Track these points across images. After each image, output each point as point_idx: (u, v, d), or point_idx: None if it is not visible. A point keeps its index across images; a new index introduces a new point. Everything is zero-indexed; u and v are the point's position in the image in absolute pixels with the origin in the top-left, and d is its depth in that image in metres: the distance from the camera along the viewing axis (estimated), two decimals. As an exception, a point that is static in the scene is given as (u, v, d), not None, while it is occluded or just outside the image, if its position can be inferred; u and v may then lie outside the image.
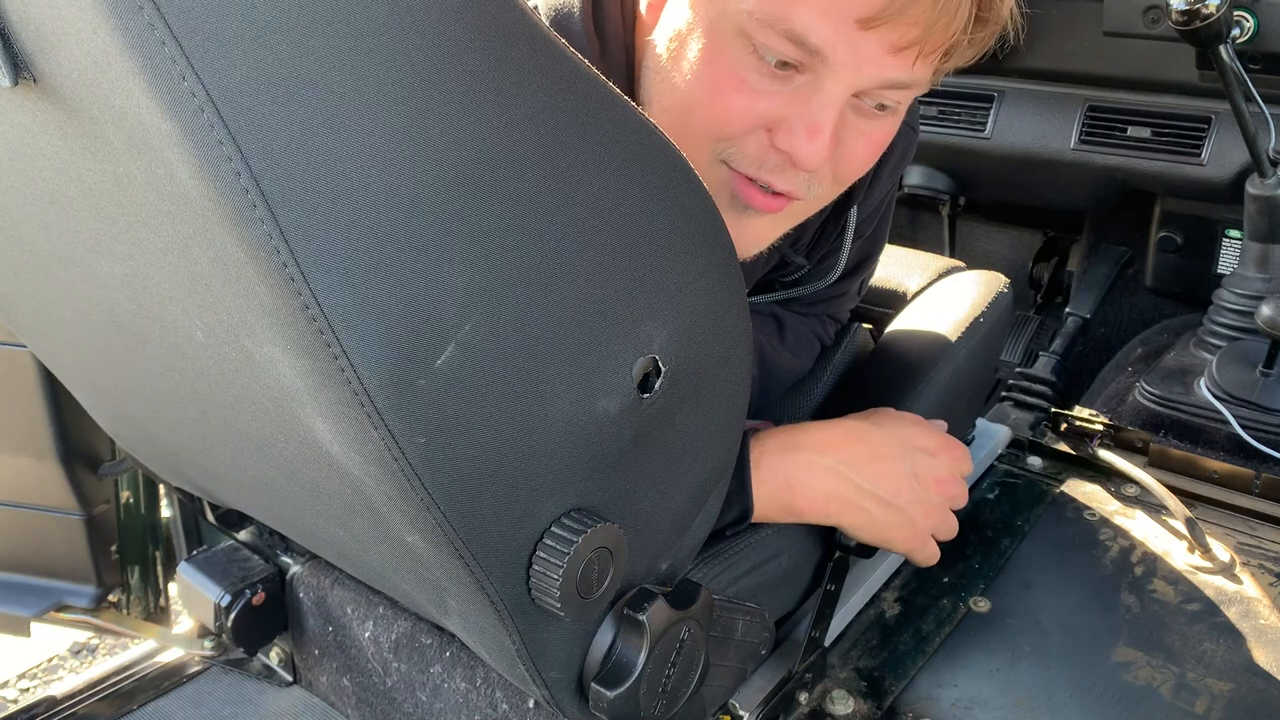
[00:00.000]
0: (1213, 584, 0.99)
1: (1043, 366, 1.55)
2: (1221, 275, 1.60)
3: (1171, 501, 1.08)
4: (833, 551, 0.91)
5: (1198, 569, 1.01)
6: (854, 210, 0.93)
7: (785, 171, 0.70)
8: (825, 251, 0.98)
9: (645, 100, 0.73)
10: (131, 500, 1.20)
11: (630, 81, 0.75)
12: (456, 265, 0.45)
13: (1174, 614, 0.95)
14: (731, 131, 0.69)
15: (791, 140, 0.67)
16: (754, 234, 0.77)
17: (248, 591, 1.01)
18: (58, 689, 1.07)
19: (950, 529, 0.88)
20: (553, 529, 0.56)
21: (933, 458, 0.86)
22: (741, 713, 0.83)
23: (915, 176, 1.89)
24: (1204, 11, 1.21)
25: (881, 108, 0.69)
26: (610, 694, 0.63)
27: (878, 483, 0.83)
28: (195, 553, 1.06)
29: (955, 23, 0.64)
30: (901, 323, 1.09)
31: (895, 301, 1.16)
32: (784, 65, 0.65)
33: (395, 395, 0.45)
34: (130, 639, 1.33)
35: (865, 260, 1.03)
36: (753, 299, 0.99)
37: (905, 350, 1.04)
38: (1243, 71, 1.28)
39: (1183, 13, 1.22)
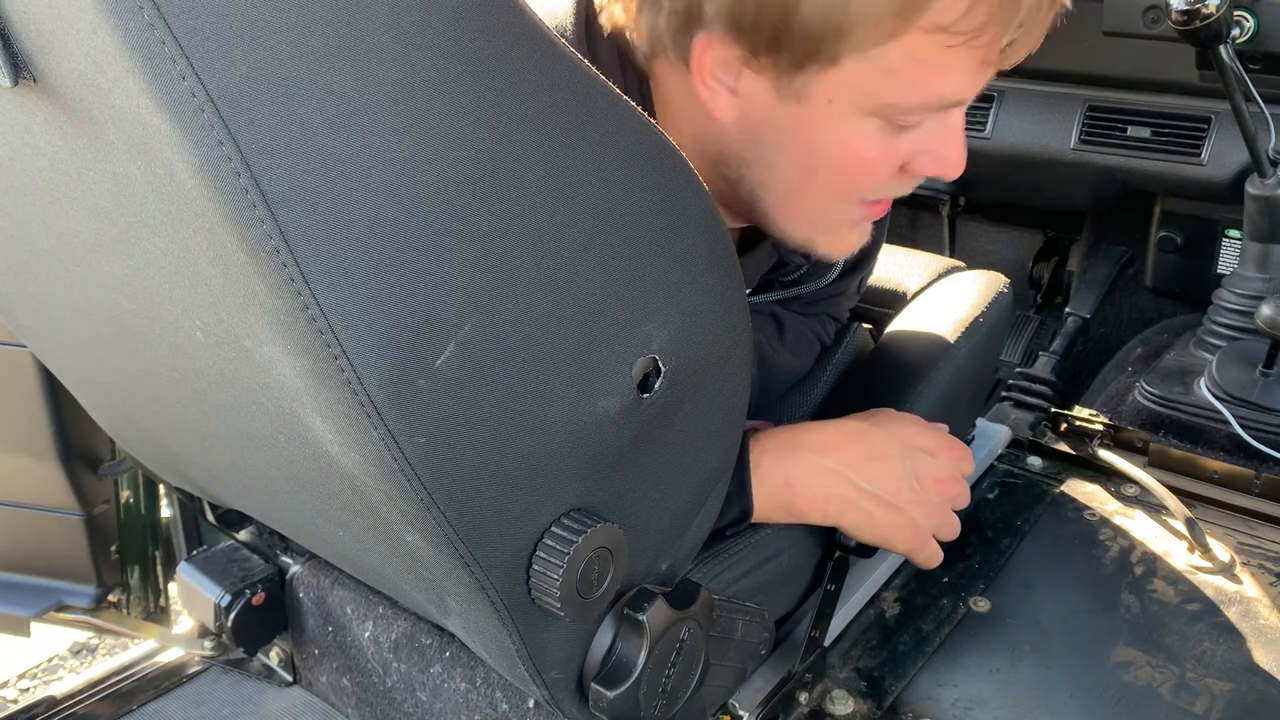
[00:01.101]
0: (1213, 584, 0.99)
1: (1043, 366, 1.55)
2: (1221, 275, 1.60)
3: (1171, 501, 1.08)
4: (833, 551, 0.91)
5: (1198, 569, 1.01)
6: None
7: (916, 182, 0.76)
8: None
9: (741, 180, 0.75)
10: (131, 500, 1.20)
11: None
12: (456, 265, 0.45)
13: (1174, 614, 0.95)
14: (872, 188, 0.75)
15: (940, 166, 0.73)
16: (860, 237, 0.82)
17: (248, 591, 1.01)
18: (58, 689, 1.07)
19: (952, 529, 0.88)
20: (553, 529, 0.56)
21: (933, 458, 0.86)
22: (741, 713, 0.83)
23: (915, 176, 1.88)
24: (1204, 11, 1.20)
25: None
26: (610, 694, 0.63)
27: (878, 483, 0.83)
28: (195, 553, 1.06)
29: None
30: (901, 323, 1.09)
31: (895, 301, 1.16)
32: None
33: (395, 395, 0.45)
34: (130, 639, 1.33)
35: (864, 258, 1.03)
36: (753, 299, 0.99)
37: (905, 350, 1.04)
38: (1243, 71, 1.28)
39: (1183, 13, 1.22)
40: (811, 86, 0.67)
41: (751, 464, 0.79)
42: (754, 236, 0.87)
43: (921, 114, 0.69)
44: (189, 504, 1.15)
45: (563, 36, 0.71)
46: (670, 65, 0.72)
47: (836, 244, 0.81)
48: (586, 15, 0.74)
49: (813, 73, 0.66)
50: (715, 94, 0.70)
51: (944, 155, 0.72)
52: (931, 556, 0.88)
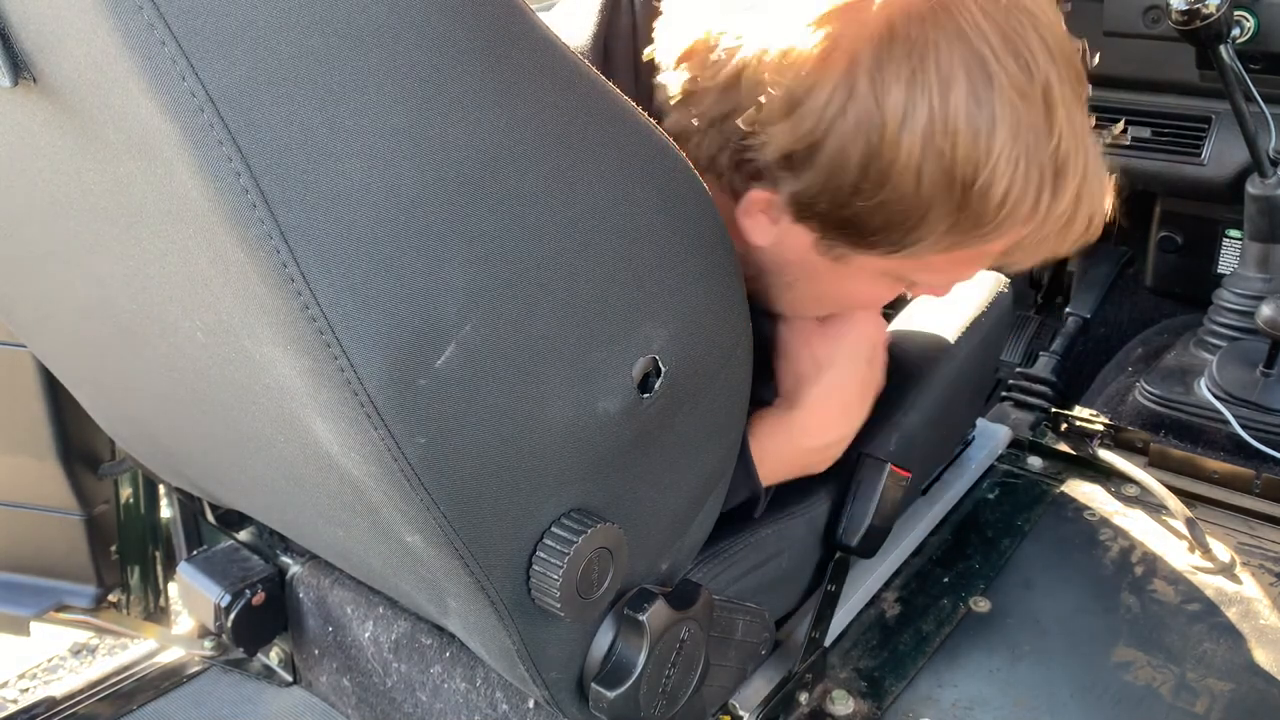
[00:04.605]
0: (1213, 584, 0.99)
1: (1043, 366, 1.55)
2: (1221, 275, 1.60)
3: (1171, 501, 1.08)
4: (833, 551, 0.91)
5: (1198, 569, 1.01)
6: None
7: None
8: None
9: (749, 274, 0.73)
10: (131, 500, 1.20)
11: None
12: (457, 265, 0.45)
13: (1174, 614, 0.95)
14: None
15: (933, 293, 0.80)
16: None
17: (248, 591, 1.00)
18: (58, 689, 1.07)
19: None
20: (553, 529, 0.56)
21: (875, 342, 0.88)
22: (741, 713, 0.83)
23: (915, 176, 1.88)
24: (1204, 11, 1.20)
25: None
26: (610, 694, 0.63)
27: (866, 403, 0.87)
28: (195, 553, 1.06)
29: None
30: (901, 323, 1.09)
31: (895, 301, 1.16)
32: None
33: (395, 395, 0.45)
34: (130, 639, 1.33)
35: None
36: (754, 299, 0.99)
37: (905, 350, 1.04)
38: (1243, 71, 1.28)
39: (1183, 13, 1.22)
40: (853, 257, 0.68)
41: (757, 461, 0.80)
42: None
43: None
44: (189, 504, 1.15)
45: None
46: (712, 182, 0.65)
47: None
48: (606, 40, 0.73)
49: (859, 249, 0.66)
50: (755, 226, 0.68)
51: (935, 290, 0.79)
52: None
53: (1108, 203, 0.70)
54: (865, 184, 0.59)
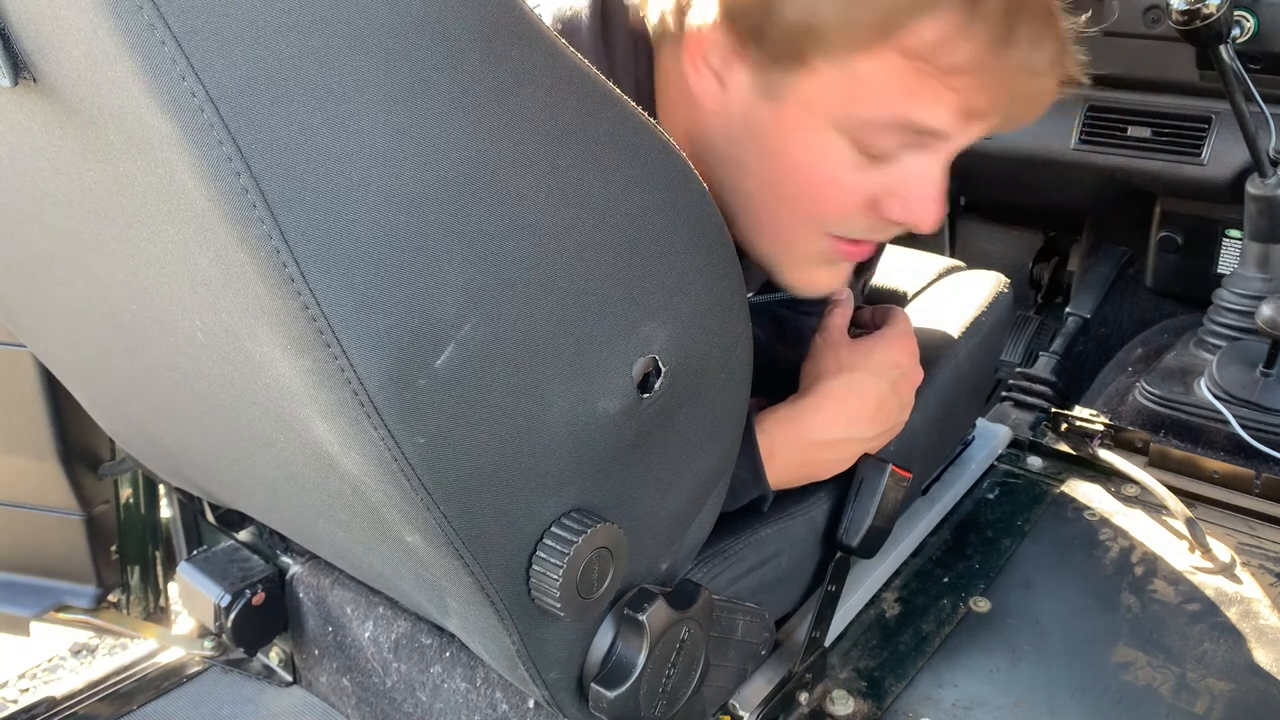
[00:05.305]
0: (1213, 584, 0.99)
1: (1043, 366, 1.55)
2: (1221, 275, 1.60)
3: (1171, 501, 1.08)
4: (833, 551, 0.91)
5: (1198, 569, 1.01)
6: None
7: (890, 229, 0.74)
8: None
9: (714, 180, 0.73)
10: (131, 500, 1.20)
11: (640, 99, 0.75)
12: (456, 265, 0.45)
13: (1174, 614, 0.95)
14: (833, 218, 0.73)
15: (909, 213, 0.70)
16: (840, 276, 0.82)
17: (248, 591, 1.01)
18: (58, 689, 1.07)
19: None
20: (553, 529, 0.56)
21: (905, 370, 0.86)
22: (741, 713, 0.83)
23: (915, 176, 1.88)
24: (1204, 11, 1.20)
25: None
26: (610, 694, 0.63)
27: (877, 424, 0.85)
28: (195, 553, 1.06)
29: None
30: (901, 323, 1.09)
31: (895, 301, 1.16)
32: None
33: (395, 395, 0.45)
34: (130, 639, 1.34)
35: (870, 260, 1.03)
36: (756, 299, 0.99)
37: (905, 350, 1.04)
38: (1243, 71, 1.28)
39: (1183, 13, 1.22)
40: (787, 87, 0.67)
41: (764, 457, 0.80)
42: None
43: (892, 138, 0.67)
44: (189, 504, 1.15)
45: (579, 22, 0.72)
46: (673, 52, 0.72)
47: (803, 277, 0.80)
48: (603, 2, 0.74)
49: (790, 71, 0.66)
50: (703, 80, 0.70)
51: (915, 202, 0.70)
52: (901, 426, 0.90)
53: (1064, 37, 0.67)
54: None
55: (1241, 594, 0.97)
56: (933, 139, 0.68)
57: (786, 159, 0.70)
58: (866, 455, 0.88)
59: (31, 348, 0.88)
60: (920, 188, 0.70)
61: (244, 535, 1.09)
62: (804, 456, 0.84)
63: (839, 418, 0.83)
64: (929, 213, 0.70)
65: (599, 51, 0.73)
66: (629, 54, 0.74)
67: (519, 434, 0.51)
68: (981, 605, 0.97)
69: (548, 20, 0.73)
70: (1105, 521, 1.09)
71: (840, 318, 0.88)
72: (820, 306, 1.03)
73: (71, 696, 1.05)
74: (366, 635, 0.97)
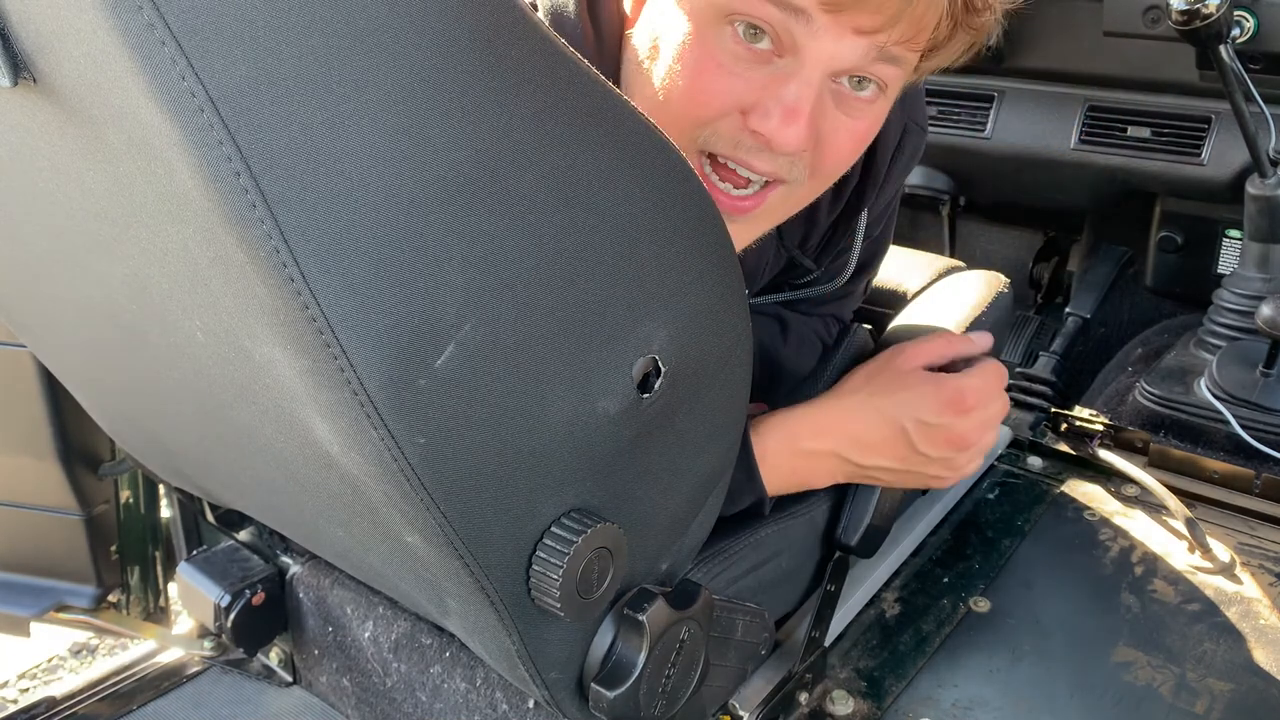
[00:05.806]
0: (1213, 584, 0.99)
1: (1043, 366, 1.55)
2: (1221, 275, 1.60)
3: (1171, 501, 1.08)
4: (833, 551, 0.91)
5: (1198, 569, 1.01)
6: (865, 213, 0.94)
7: (763, 153, 0.70)
8: (835, 254, 0.98)
9: (627, 95, 0.74)
10: (131, 500, 1.20)
11: (618, 76, 0.75)
12: (456, 266, 0.45)
13: (1174, 614, 0.95)
14: (707, 115, 0.69)
15: (767, 123, 0.67)
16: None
17: (247, 591, 1.01)
18: (58, 689, 1.07)
19: (972, 459, 0.85)
20: (553, 529, 0.56)
21: (932, 423, 0.82)
22: (741, 713, 0.83)
23: (915, 176, 1.88)
24: (1204, 11, 1.21)
25: (860, 84, 0.69)
26: (610, 694, 0.63)
27: (876, 460, 0.83)
28: (195, 553, 1.06)
29: (925, 17, 0.65)
30: (901, 323, 1.09)
31: (895, 301, 1.16)
32: (759, 39, 0.66)
33: (395, 395, 0.45)
34: (130, 639, 1.33)
35: (871, 260, 1.04)
36: (759, 299, 0.99)
37: (905, 350, 1.04)
38: (1243, 71, 1.28)
39: (1183, 13, 1.22)
40: None
41: (758, 459, 0.80)
42: (764, 238, 0.87)
43: (762, 9, 0.64)
44: (189, 504, 1.15)
45: (565, 6, 0.72)
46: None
47: None
48: None
49: None
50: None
51: (770, 111, 0.67)
52: (959, 477, 0.87)
53: None
54: None
55: (1241, 594, 0.97)
56: (805, 33, 0.65)
57: (665, 53, 0.69)
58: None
59: (31, 348, 0.88)
60: (783, 99, 0.67)
61: (244, 535, 1.09)
62: (792, 464, 0.83)
63: (833, 432, 0.83)
64: (786, 129, 0.67)
65: (585, 32, 0.73)
66: (615, 39, 0.74)
67: (519, 434, 0.51)
68: (981, 605, 0.97)
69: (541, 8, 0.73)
70: (1105, 521, 1.09)
71: (924, 350, 0.85)
72: (820, 306, 1.03)
73: (71, 696, 1.05)
74: (366, 635, 0.97)
